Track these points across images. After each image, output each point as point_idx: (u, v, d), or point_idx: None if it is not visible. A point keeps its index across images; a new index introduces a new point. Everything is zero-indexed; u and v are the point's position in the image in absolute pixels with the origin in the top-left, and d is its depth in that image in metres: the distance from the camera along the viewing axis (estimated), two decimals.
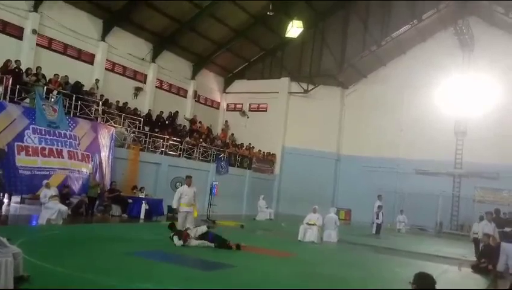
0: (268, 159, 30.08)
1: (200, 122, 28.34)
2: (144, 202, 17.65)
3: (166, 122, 24.77)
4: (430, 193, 25.64)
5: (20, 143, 14.92)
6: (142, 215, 17.31)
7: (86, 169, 17.19)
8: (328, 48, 29.51)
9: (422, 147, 27.51)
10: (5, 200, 15.51)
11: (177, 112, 25.81)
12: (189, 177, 12.99)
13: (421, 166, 27.58)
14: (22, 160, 14.86)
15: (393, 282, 9.12)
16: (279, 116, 30.84)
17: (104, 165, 18.12)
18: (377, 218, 20.63)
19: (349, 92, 31.71)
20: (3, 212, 14.24)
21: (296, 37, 25.80)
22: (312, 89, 30.33)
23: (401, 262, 12.52)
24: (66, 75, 18.88)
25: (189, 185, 12.71)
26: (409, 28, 27.95)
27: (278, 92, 30.98)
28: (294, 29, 24.52)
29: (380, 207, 20.69)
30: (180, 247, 10.78)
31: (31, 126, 15.34)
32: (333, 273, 9.68)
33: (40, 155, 15.54)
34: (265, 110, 31.75)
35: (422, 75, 28.45)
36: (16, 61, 17.15)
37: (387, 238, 18.94)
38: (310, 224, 15.31)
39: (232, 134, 30.61)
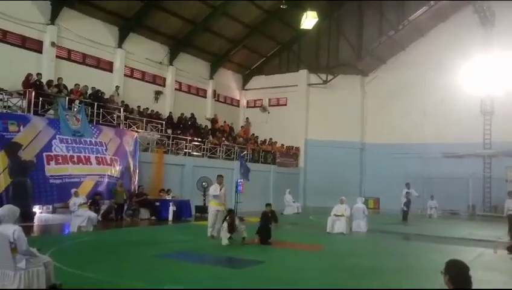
0: (292, 153, 29.95)
1: (224, 121, 28.42)
2: (171, 204, 17.79)
3: (189, 122, 24.94)
4: (460, 176, 25.08)
5: (48, 153, 15.24)
6: (170, 217, 17.45)
7: (115, 173, 17.47)
8: (345, 37, 29.14)
9: (449, 130, 26.91)
10: (38, 211, 15.88)
11: (192, 114, 25.84)
12: (220, 176, 12.95)
13: (448, 149, 27.00)
14: (52, 169, 15.18)
15: (427, 270, 8.92)
16: (300, 109, 30.66)
17: (131, 170, 18.37)
18: (404, 205, 20.48)
19: (369, 79, 31.28)
20: (35, 223, 14.55)
21: (311, 28, 25.53)
22: (331, 79, 30.04)
23: (433, 248, 12.27)
24: (85, 85, 19.17)
25: (220, 184, 12.67)
26: (426, 9, 27.31)
27: (297, 85, 30.80)
28: (309, 20, 24.24)
29: (407, 194, 20.50)
30: (210, 247, 10.83)
31: (57, 136, 15.65)
32: (365, 264, 9.53)
33: (69, 163, 15.86)
34: (285, 105, 31.62)
35: (443, 57, 27.80)
36: (38, 74, 17.52)
37: (419, 225, 18.62)
38: (337, 215, 15.17)
39: (253, 134, 30.47)
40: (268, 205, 12.74)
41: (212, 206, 12.51)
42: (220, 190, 12.47)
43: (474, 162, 26.49)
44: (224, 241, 11.16)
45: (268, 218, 12.10)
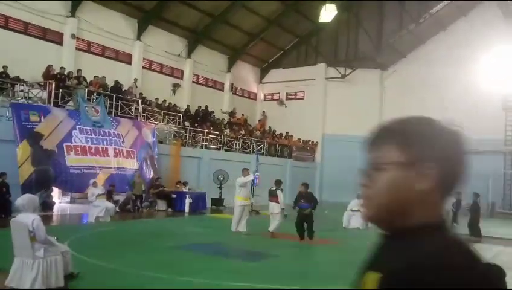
0: (308, 147, 29.83)
1: (242, 114, 28.47)
2: (187, 196, 17.92)
3: (211, 116, 25.03)
4: (480, 173, 24.57)
5: (69, 144, 15.49)
6: (186, 209, 17.59)
7: (131, 166, 17.67)
8: (364, 30, 28.77)
9: (469, 126, 25.40)
10: (57, 200, 16.18)
11: (206, 106, 25.88)
12: (246, 169, 12.90)
13: (468, 145, 26.52)
14: (72, 159, 15.45)
15: None
16: (317, 103, 30.46)
17: (148, 162, 18.55)
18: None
19: (388, 73, 30.86)
20: (54, 212, 14.82)
21: (330, 21, 25.30)
22: (350, 73, 29.75)
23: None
24: (104, 76, 19.36)
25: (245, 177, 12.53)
26: (448, 2, 26.80)
27: (314, 79, 30.58)
28: (328, 13, 24.03)
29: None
30: (226, 239, 10.91)
31: (77, 126, 15.89)
32: None
33: (87, 154, 16.11)
34: (303, 98, 31.45)
35: (465, 50, 27.23)
36: (61, 68, 17.80)
37: None
38: (354, 210, 15.08)
39: (270, 127, 30.41)
40: (304, 184, 11.94)
41: (238, 201, 12.25)
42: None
43: (495, 159, 25.98)
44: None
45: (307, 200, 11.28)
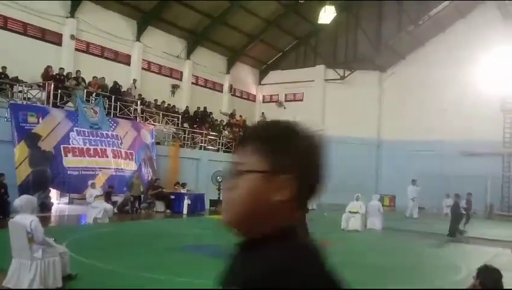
0: None
1: (240, 116, 28.48)
2: (186, 197, 17.92)
3: (209, 117, 25.04)
4: (478, 175, 24.68)
5: (66, 145, 15.48)
6: (185, 211, 17.58)
7: (130, 167, 17.65)
8: (363, 32, 28.80)
9: (468, 128, 26.45)
10: (55, 201, 16.16)
11: (205, 107, 25.88)
12: None
13: (466, 147, 26.56)
14: (69, 161, 15.44)
15: (439, 268, 8.82)
16: (316, 105, 30.47)
17: (147, 163, 18.55)
18: (412, 201, 20.81)
19: (387, 75, 30.90)
20: (52, 213, 14.81)
21: (329, 23, 25.33)
22: (349, 74, 29.78)
23: (448, 247, 12.13)
24: (102, 77, 19.36)
25: None
26: (447, 4, 26.86)
27: (313, 81, 30.61)
28: (327, 14, 24.07)
29: (411, 192, 21.02)
30: (225, 240, 10.82)
31: (74, 128, 15.88)
32: (376, 262, 9.48)
33: (86, 155, 16.10)
34: (302, 100, 31.47)
35: (464, 52, 27.29)
36: (60, 69, 17.80)
37: (434, 223, 18.41)
38: (352, 212, 15.09)
39: None
40: None
41: None
42: None
43: (494, 160, 26.02)
44: None
45: None
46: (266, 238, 0.99)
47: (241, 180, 1.02)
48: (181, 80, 26.08)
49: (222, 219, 1.04)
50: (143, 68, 23.70)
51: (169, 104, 23.38)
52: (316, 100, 30.54)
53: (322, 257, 1.00)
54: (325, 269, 0.98)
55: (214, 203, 19.74)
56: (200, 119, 24.46)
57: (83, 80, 18.46)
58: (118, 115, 18.44)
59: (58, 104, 16.29)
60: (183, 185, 18.84)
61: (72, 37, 19.89)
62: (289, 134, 1.05)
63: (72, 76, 18.08)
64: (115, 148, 17.23)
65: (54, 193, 15.99)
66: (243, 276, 0.95)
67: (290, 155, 1.02)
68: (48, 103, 15.91)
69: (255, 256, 0.97)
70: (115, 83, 20.00)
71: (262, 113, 31.94)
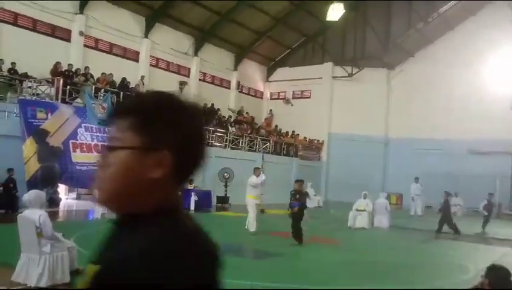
0: (314, 146, 29.81)
1: (246, 112, 28.50)
2: (193, 193, 17.97)
3: (216, 114, 25.05)
4: (486, 174, 24.53)
5: (74, 141, 15.59)
6: (191, 207, 17.64)
7: None
8: (372, 29, 28.65)
9: (476, 126, 26.26)
10: (63, 197, 16.29)
11: (212, 104, 25.91)
12: (258, 168, 12.84)
13: (475, 146, 26.39)
14: (78, 156, 15.54)
15: (444, 267, 8.79)
16: (324, 102, 30.40)
17: None
18: (413, 200, 21.18)
19: (395, 73, 30.75)
20: (61, 208, 14.93)
21: (337, 20, 25.23)
22: (357, 72, 29.66)
23: (455, 246, 12.08)
24: (111, 73, 19.45)
25: (258, 176, 12.31)
26: (456, 2, 26.64)
27: (321, 78, 30.53)
28: (335, 12, 24.00)
29: (414, 189, 21.14)
30: (232, 237, 10.93)
31: (83, 124, 15.98)
32: (383, 260, 9.46)
33: (94, 151, 16.21)
34: (309, 97, 31.40)
35: (473, 51, 27.08)
36: (69, 65, 17.91)
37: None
38: (359, 210, 15.07)
39: (276, 126, 30.39)
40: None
41: (251, 200, 12.13)
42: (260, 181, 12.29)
43: (502, 159, 25.82)
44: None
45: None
46: (144, 216, 0.93)
47: (114, 156, 0.95)
48: (189, 76, 26.13)
49: (97, 199, 0.99)
50: (151, 65, 23.78)
51: None
52: (324, 97, 30.46)
53: (203, 236, 0.97)
54: (204, 248, 0.95)
55: (221, 199, 19.81)
56: (207, 115, 24.48)
57: (92, 76, 18.56)
58: None
59: (66, 100, 16.39)
60: (190, 182, 18.85)
61: (81, 33, 20.00)
62: (166, 107, 0.98)
63: (81, 72, 18.20)
64: None
65: (62, 188, 16.13)
66: (119, 253, 0.89)
67: (167, 130, 0.95)
68: (57, 98, 16.01)
69: (133, 233, 0.91)
70: (123, 79, 20.09)
71: (270, 110, 31.93)
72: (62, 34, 19.69)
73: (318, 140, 30.08)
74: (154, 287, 0.84)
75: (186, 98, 1.01)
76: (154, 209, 0.94)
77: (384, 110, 30.47)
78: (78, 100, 17.07)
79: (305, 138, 29.57)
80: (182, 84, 25.55)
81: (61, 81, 16.25)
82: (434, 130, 27.75)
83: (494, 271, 3.17)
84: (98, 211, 13.59)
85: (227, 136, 23.28)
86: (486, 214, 16.81)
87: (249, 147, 24.50)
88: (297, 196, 10.98)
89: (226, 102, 28.26)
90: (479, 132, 26.00)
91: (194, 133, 1.01)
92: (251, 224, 11.92)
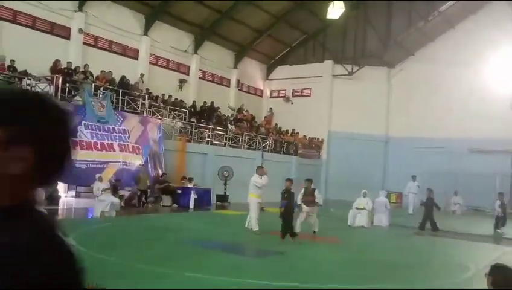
0: (314, 145, 29.77)
1: (246, 111, 28.45)
2: (192, 192, 17.95)
3: (215, 113, 25.01)
4: (487, 172, 24.50)
5: (74, 139, 15.52)
6: (191, 205, 17.62)
7: (137, 161, 17.71)
8: (372, 27, 28.59)
9: (477, 125, 26.21)
10: (63, 194, 16.25)
11: (212, 102, 25.87)
12: (261, 167, 12.78)
13: (475, 145, 26.37)
14: (77, 154, 15.50)
15: (444, 266, 8.76)
16: (324, 100, 30.35)
17: (154, 157, 18.59)
18: (406, 198, 21.11)
19: (396, 71, 30.70)
20: (60, 206, 14.89)
21: (337, 18, 25.17)
22: (357, 70, 29.60)
23: (455, 245, 12.05)
24: (110, 71, 19.40)
25: (261, 175, 12.16)
26: (456, 1, 26.57)
27: (321, 76, 30.47)
28: (336, 10, 23.94)
29: (411, 188, 21.24)
30: (231, 236, 10.90)
31: (82, 122, 15.95)
32: (382, 259, 9.43)
33: (93, 149, 16.19)
34: (309, 95, 31.35)
35: (474, 50, 27.01)
36: (68, 63, 17.86)
37: (442, 221, 18.28)
38: (359, 208, 15.04)
39: (276, 124, 30.37)
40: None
41: (254, 199, 11.99)
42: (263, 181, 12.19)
43: (503, 158, 25.79)
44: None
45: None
46: (2, 212, 0.93)
47: None
48: (188, 74, 26.08)
49: None
50: (150, 62, 23.72)
51: (176, 99, 23.38)
52: (324, 96, 30.41)
53: (61, 236, 0.97)
54: (63, 247, 0.96)
55: (221, 198, 19.79)
56: (207, 114, 24.45)
57: (91, 74, 18.51)
58: (125, 109, 18.48)
59: (66, 98, 16.34)
60: (190, 180, 18.88)
61: (80, 31, 19.94)
62: (28, 103, 0.98)
63: (80, 70, 18.15)
64: (121, 142, 17.29)
65: (61, 186, 16.09)
66: None
67: (27, 126, 0.94)
68: (56, 96, 15.93)
69: None
70: (123, 77, 20.04)
71: (270, 108, 31.90)
72: (61, 32, 19.63)
73: (318, 138, 30.04)
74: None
75: (53, 99, 1.04)
76: (10, 205, 0.94)
77: (384, 109, 30.43)
78: (78, 98, 17.02)
79: (305, 136, 29.54)
80: (182, 82, 25.51)
81: (61, 79, 16.19)
82: (434, 129, 27.71)
83: (498, 270, 3.13)
84: (97, 210, 13.56)
85: (227, 134, 23.24)
86: (502, 214, 16.04)
87: (249, 145, 24.46)
88: (285, 195, 10.97)
89: (226, 100, 28.21)
90: (479, 130, 25.96)
91: (59, 133, 1.01)
92: (253, 224, 11.83)
